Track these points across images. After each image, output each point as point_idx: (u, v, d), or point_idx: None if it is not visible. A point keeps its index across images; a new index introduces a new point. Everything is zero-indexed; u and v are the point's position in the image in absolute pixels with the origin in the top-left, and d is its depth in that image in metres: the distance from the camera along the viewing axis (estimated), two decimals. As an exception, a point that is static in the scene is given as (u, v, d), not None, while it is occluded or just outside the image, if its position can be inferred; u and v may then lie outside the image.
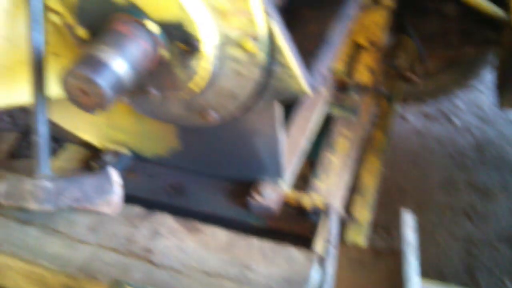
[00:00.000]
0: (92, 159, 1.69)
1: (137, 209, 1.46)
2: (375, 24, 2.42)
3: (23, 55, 1.35)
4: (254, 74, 1.27)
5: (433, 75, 3.32)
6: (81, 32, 1.29)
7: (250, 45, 1.22)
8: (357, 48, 2.35)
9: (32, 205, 1.32)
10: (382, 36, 2.38)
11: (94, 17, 1.26)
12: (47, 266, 1.31)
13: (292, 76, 1.28)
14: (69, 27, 1.33)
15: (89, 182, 1.33)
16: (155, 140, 1.64)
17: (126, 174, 1.66)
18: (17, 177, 1.33)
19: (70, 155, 1.73)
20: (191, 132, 1.53)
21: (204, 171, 1.63)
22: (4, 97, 1.51)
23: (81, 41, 1.31)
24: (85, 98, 1.12)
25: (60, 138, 1.74)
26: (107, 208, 1.35)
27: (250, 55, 1.24)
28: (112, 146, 1.70)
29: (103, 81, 1.09)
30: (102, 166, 1.64)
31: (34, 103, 1.33)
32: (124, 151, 1.69)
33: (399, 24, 2.69)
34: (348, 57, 2.29)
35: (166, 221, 1.43)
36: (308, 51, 1.44)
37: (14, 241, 1.35)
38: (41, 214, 1.36)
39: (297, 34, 1.55)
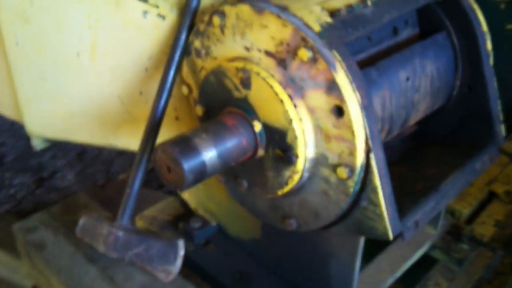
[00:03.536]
0: (182, 218, 1.75)
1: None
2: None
3: (148, 111, 1.47)
4: (340, 200, 1.23)
5: None
6: (199, 109, 1.37)
7: (343, 172, 1.19)
8: (490, 196, 2.16)
9: (101, 248, 1.40)
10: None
11: (212, 101, 1.33)
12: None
13: (378, 215, 1.22)
14: (193, 101, 1.42)
15: (157, 246, 1.38)
16: (241, 223, 1.65)
17: (205, 244, 1.70)
18: (99, 218, 1.43)
19: (165, 207, 1.82)
20: (273, 229, 1.51)
21: (276, 270, 1.60)
22: (124, 140, 1.66)
23: (198, 117, 1.39)
24: (168, 174, 1.17)
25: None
26: (163, 276, 1.38)
27: (342, 181, 1.21)
28: (203, 213, 1.75)
29: (187, 166, 1.13)
30: (186, 230, 1.69)
31: (138, 156, 1.42)
32: (212, 222, 1.73)
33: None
34: (477, 202, 2.11)
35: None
36: (413, 196, 1.35)
37: (73, 275, 1.43)
38: (106, 257, 1.43)
39: (412, 172, 1.47)
